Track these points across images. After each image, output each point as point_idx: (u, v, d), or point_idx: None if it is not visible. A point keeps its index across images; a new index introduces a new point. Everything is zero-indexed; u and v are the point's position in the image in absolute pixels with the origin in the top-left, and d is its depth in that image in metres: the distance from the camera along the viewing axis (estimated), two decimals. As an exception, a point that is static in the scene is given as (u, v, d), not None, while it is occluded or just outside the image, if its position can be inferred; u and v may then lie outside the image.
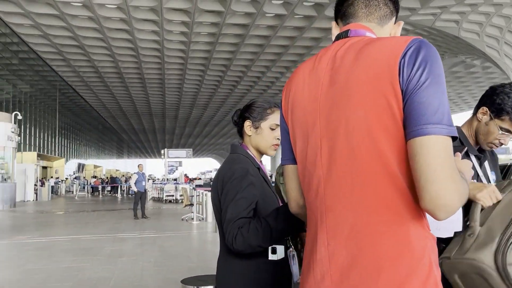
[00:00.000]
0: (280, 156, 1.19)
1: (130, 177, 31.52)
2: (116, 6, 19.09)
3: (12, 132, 16.64)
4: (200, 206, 11.68)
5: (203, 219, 11.20)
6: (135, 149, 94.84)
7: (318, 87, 1.01)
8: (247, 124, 1.61)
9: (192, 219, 11.01)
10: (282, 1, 17.34)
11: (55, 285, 4.66)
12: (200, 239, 8.53)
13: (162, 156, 35.12)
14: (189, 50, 25.25)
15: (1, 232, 9.28)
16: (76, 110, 49.39)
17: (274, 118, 1.60)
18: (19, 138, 18.55)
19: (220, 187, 1.46)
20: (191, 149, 33.04)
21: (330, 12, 18.01)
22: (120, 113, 54.00)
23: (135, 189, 11.80)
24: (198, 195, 12.41)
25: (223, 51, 24.58)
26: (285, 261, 1.48)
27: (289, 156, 1.13)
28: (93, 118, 56.62)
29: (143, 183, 11.87)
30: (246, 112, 1.63)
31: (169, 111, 51.14)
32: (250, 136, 1.61)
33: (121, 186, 28.67)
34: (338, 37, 1.06)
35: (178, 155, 32.15)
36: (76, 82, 39.79)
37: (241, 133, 1.65)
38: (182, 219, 11.38)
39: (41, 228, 10.18)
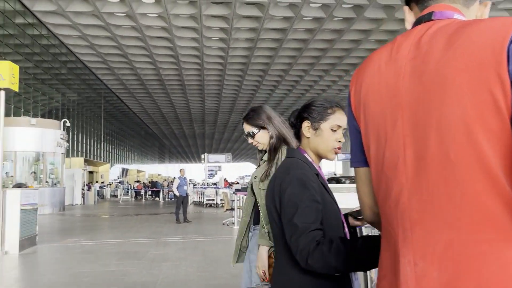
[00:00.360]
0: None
1: (172, 181, 32.20)
2: (157, 15, 19.57)
3: (61, 138, 17.38)
4: (241, 210, 11.70)
5: (243, 224, 11.21)
6: (176, 154, 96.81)
7: (398, 79, 0.87)
8: (306, 125, 1.49)
9: (233, 223, 11.06)
10: (320, 4, 17.17)
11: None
12: (241, 244, 8.53)
13: (202, 161, 35.58)
14: (227, 56, 25.48)
15: (52, 234, 9.67)
16: (120, 117, 51.10)
17: (335, 118, 1.48)
18: (68, 144, 19.34)
19: (277, 194, 1.36)
20: (230, 154, 33.26)
21: (370, 13, 17.67)
22: (161, 119, 55.35)
23: (177, 193, 12.00)
24: (239, 200, 12.45)
25: (261, 56, 24.64)
26: (347, 277, 1.38)
27: (361, 158, 1.00)
28: (136, 124, 58.38)
29: (185, 188, 12.06)
30: (305, 112, 1.50)
31: (208, 116, 51.81)
32: (308, 138, 1.49)
33: (162, 191, 29.27)
34: (419, 22, 0.92)
35: (218, 159, 32.47)
36: (119, 90, 41.21)
37: (298, 135, 1.54)
38: (223, 224, 11.46)
39: (88, 231, 10.54)
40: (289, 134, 2.14)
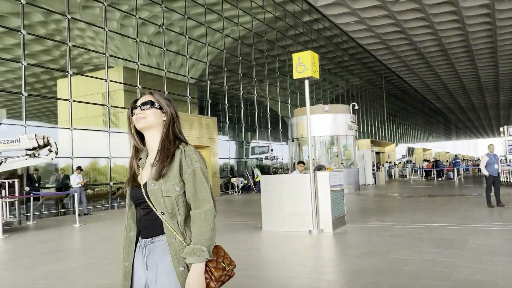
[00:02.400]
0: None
1: (452, 160, 29.10)
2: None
3: (352, 121, 18.05)
4: None
5: None
6: (463, 129, 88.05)
7: None
8: None
9: None
10: None
11: (428, 282, 4.27)
12: None
13: (502, 135, 30.66)
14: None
15: (356, 214, 9.95)
16: (401, 95, 50.07)
17: None
18: (357, 126, 19.98)
19: None
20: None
21: None
22: (445, 93, 51.11)
23: (486, 173, 10.37)
24: None
25: None
26: None
27: None
28: (418, 101, 56.04)
29: (495, 166, 10.29)
30: None
31: (503, 83, 44.54)
32: None
33: (458, 170, 26.78)
34: None
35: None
36: (399, 68, 40.24)
37: None
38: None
39: (390, 212, 10.35)
40: None
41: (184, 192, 1.70)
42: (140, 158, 1.83)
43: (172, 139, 1.77)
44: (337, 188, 8.17)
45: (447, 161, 36.54)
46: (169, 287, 1.63)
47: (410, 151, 48.34)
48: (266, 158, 25.32)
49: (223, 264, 1.67)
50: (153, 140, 1.79)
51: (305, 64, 7.65)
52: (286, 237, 7.42)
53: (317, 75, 7.89)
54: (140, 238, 1.77)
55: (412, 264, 5.01)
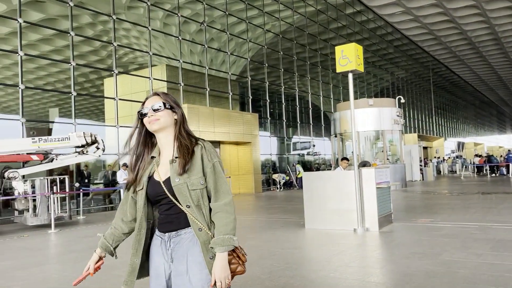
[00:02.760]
0: None
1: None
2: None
3: (398, 115, 17.44)
4: None
5: None
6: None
7: None
8: None
9: None
10: None
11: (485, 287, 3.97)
12: None
13: None
14: None
15: (403, 212, 9.57)
16: (450, 88, 47.95)
17: None
18: (404, 121, 19.29)
19: None
20: None
21: None
22: (499, 84, 48.50)
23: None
24: None
25: None
26: None
27: None
28: (468, 93, 53.52)
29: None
30: None
31: None
32: None
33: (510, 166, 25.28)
34: None
35: None
36: (448, 59, 38.55)
37: None
38: None
39: (440, 210, 9.88)
40: None
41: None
42: (153, 157, 1.89)
43: (186, 136, 1.85)
44: (383, 185, 7.86)
45: (501, 156, 34.66)
46: (201, 276, 1.73)
47: (460, 145, 46.25)
48: (308, 154, 25.02)
49: (243, 251, 1.81)
50: (167, 140, 1.86)
51: (349, 57, 7.39)
52: (330, 235, 7.22)
53: (361, 68, 7.60)
54: (158, 232, 1.85)
55: (466, 267, 4.70)
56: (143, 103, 1.88)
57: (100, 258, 1.99)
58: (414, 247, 5.92)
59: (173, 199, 1.78)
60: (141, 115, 1.87)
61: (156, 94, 1.90)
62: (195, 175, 1.77)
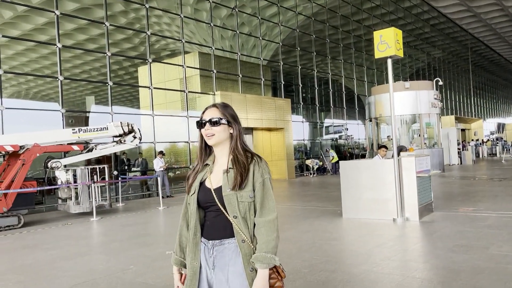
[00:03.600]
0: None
1: None
2: None
3: (435, 98, 16.87)
4: None
5: None
6: None
7: None
8: None
9: None
10: None
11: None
12: None
13: None
14: None
15: (444, 200, 9.31)
16: (490, 67, 45.92)
17: None
18: (441, 103, 18.66)
19: None
20: None
21: None
22: (543, 61, 46.06)
23: None
24: None
25: None
26: None
27: None
28: (508, 72, 51.15)
29: None
30: None
31: None
32: None
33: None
34: None
35: None
36: (488, 37, 36.83)
37: None
38: None
39: (481, 198, 9.54)
40: None
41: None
42: (207, 164, 1.94)
43: (243, 152, 1.88)
44: (424, 174, 7.64)
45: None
46: (240, 287, 1.77)
47: (501, 127, 44.45)
48: (340, 137, 24.68)
49: (282, 267, 1.85)
50: (222, 152, 1.92)
51: (388, 42, 7.14)
52: (368, 225, 7.12)
53: (401, 53, 7.34)
54: (203, 238, 1.89)
55: (516, 262, 4.52)
56: (203, 112, 1.93)
57: (181, 274, 2.03)
58: (458, 239, 5.74)
59: (222, 208, 1.82)
60: (200, 125, 1.92)
61: (215, 106, 1.93)
62: (245, 188, 1.81)
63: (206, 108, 1.93)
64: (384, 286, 4.04)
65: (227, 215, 1.81)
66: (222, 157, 1.92)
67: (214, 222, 1.87)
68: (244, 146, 1.92)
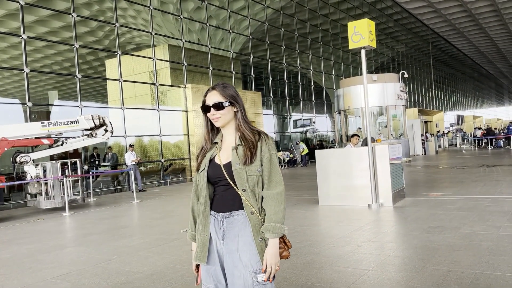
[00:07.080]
0: None
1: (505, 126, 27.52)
2: None
3: (401, 90, 17.41)
4: None
5: None
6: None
7: None
8: None
9: None
10: None
11: (512, 257, 4.06)
12: None
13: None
14: None
15: (414, 187, 9.68)
16: (449, 61, 47.71)
17: None
18: (407, 96, 19.28)
19: None
20: None
21: None
22: (498, 56, 48.28)
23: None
24: None
25: None
26: None
27: None
28: (467, 67, 53.30)
29: None
30: None
31: (563, 43, 41.62)
32: None
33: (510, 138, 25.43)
34: None
35: None
36: (447, 32, 38.21)
37: None
38: None
39: (448, 184, 10.00)
40: None
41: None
42: (215, 142, 2.02)
43: (248, 128, 1.97)
44: (396, 161, 7.92)
45: (495, 128, 34.73)
46: (251, 255, 1.86)
47: (460, 119, 46.38)
48: (306, 131, 25.06)
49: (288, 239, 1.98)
50: (229, 130, 2.00)
51: (362, 33, 7.34)
52: (345, 211, 7.33)
53: (374, 44, 7.56)
54: (213, 211, 1.97)
55: (488, 239, 4.80)
56: (205, 95, 2.00)
57: None
58: (432, 221, 6.02)
59: (231, 182, 1.91)
60: (204, 110, 1.99)
61: (214, 89, 2.00)
62: (254, 163, 1.90)
63: (207, 92, 2.01)
64: (369, 264, 4.21)
65: (236, 189, 1.90)
66: (229, 135, 2.00)
67: (223, 196, 1.95)
68: (246, 120, 2.01)
